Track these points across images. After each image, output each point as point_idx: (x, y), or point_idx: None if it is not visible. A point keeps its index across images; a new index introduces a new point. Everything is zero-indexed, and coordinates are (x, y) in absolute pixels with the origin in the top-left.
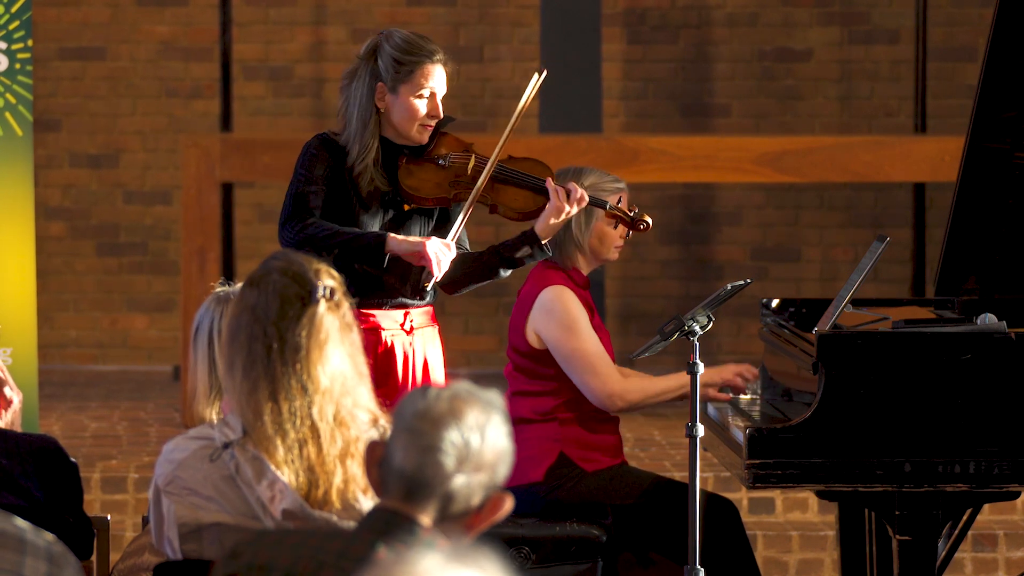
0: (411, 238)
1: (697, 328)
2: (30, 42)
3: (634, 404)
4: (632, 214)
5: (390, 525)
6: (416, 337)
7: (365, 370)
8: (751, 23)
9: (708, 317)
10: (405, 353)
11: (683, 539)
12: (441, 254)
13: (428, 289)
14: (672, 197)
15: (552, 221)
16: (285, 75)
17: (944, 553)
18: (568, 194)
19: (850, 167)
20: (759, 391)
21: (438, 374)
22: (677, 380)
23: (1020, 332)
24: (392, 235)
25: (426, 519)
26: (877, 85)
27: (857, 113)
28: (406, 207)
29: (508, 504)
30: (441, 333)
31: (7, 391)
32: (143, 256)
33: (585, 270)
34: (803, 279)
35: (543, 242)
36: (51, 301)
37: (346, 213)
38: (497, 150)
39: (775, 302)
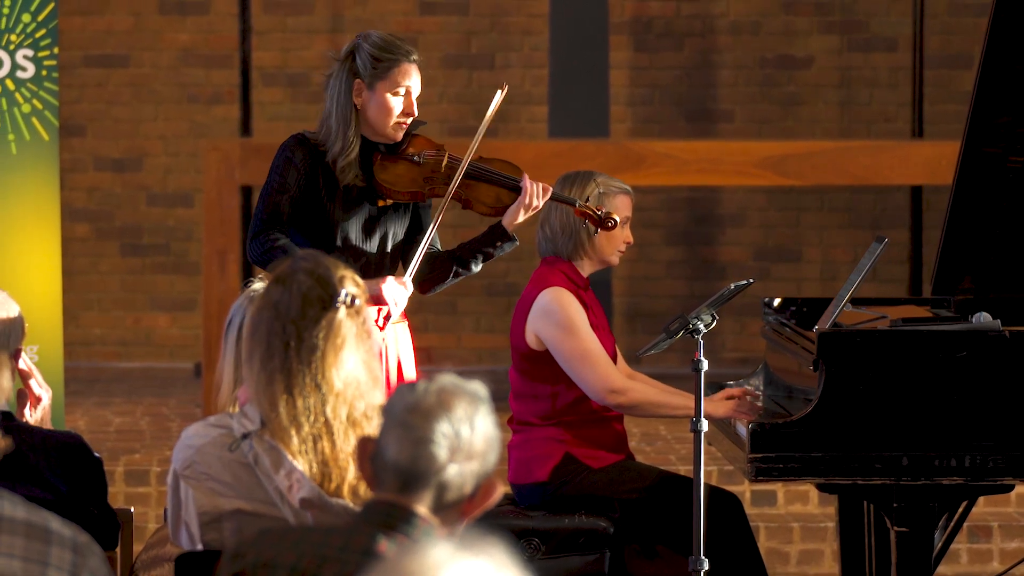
0: (369, 284)
1: (701, 326)
2: (56, 50)
3: (633, 403)
4: (600, 213)
5: (389, 517)
6: (388, 333)
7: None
8: (753, 31)
9: (712, 316)
10: (379, 349)
11: (688, 531)
12: (398, 295)
13: (381, 326)
14: (677, 200)
15: (521, 214)
16: (302, 81)
17: (940, 544)
18: (539, 190)
19: (850, 170)
20: (761, 388)
21: (410, 368)
22: (681, 399)
23: (1014, 330)
24: None
25: (423, 509)
26: (876, 91)
27: (856, 118)
28: (381, 203)
29: (499, 490)
30: (411, 328)
31: (35, 387)
32: (165, 257)
33: (586, 271)
34: (804, 279)
35: (510, 232)
36: (76, 300)
37: (321, 212)
38: (472, 148)
39: (777, 301)
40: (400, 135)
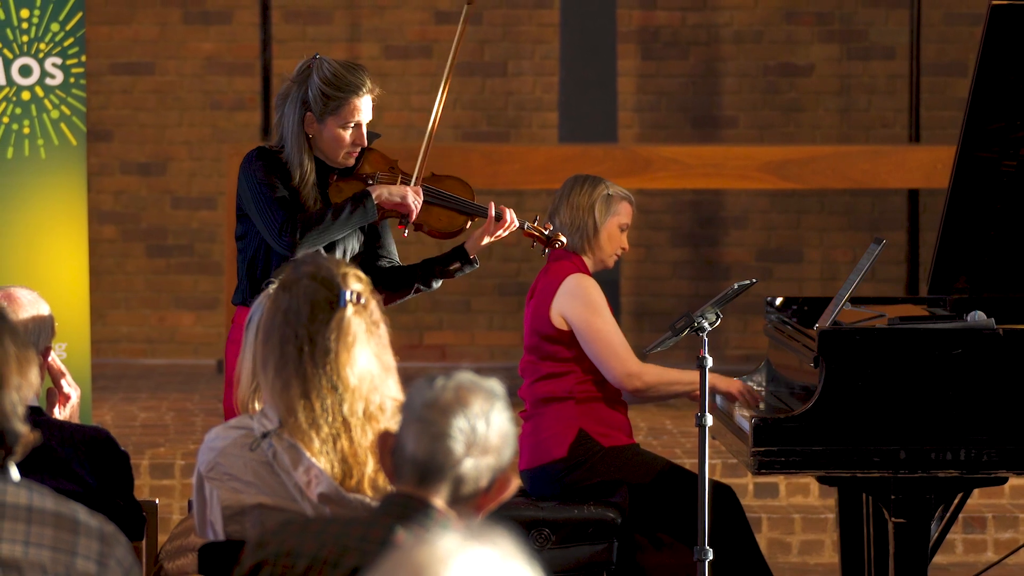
0: (392, 188)
1: (706, 325)
2: (84, 58)
3: (649, 386)
4: (547, 232)
5: (406, 509)
6: None
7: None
8: (756, 40)
9: (716, 314)
10: None
11: (691, 522)
12: (416, 203)
13: (405, 234)
14: (683, 203)
15: (484, 240)
16: None
17: (936, 534)
18: (504, 218)
19: (849, 174)
20: (764, 384)
21: None
22: (690, 375)
23: (1008, 328)
24: (372, 189)
25: (439, 502)
26: (874, 98)
27: (855, 124)
28: None
29: (514, 484)
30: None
31: (66, 386)
32: (189, 257)
33: (590, 268)
34: (805, 279)
35: (471, 256)
36: (103, 299)
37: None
38: (420, 162)
39: (779, 300)
40: (351, 162)
